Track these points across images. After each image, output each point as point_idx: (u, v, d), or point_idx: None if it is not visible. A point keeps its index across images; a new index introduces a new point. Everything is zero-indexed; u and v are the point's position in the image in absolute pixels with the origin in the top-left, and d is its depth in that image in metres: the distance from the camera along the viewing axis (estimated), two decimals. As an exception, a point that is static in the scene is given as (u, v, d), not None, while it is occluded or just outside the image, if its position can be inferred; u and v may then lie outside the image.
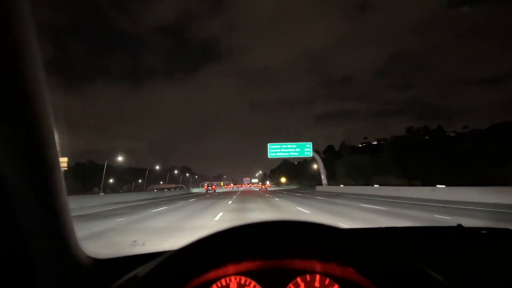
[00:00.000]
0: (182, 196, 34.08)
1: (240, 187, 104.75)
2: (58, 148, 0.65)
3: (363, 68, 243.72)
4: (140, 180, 74.50)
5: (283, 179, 72.13)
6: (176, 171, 64.24)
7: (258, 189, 61.98)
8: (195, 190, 67.79)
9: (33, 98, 0.57)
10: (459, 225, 1.20)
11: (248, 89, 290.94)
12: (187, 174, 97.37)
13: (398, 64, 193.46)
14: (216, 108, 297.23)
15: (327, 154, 70.84)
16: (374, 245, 0.47)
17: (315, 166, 48.54)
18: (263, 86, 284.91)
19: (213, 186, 58.13)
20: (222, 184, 78.76)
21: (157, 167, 49.97)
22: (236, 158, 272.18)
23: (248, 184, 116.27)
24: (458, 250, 1.00)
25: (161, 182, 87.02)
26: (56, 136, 0.63)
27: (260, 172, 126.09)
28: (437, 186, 18.92)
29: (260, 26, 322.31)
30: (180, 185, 78.44)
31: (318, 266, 0.46)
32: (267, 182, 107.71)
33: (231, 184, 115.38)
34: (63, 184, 0.67)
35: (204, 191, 52.98)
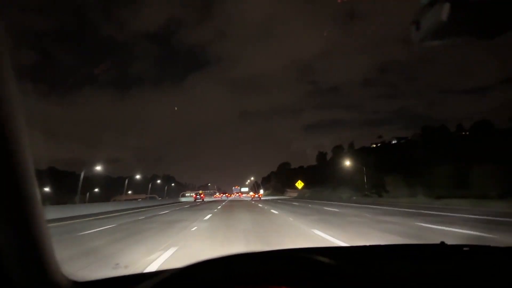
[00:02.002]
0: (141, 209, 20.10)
1: (229, 196, 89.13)
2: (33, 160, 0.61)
3: (351, 77, 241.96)
4: (96, 189, 59.79)
5: (299, 184, 47.11)
6: (137, 176, 48.50)
7: (250, 199, 51.95)
8: (183, 199, 62.67)
9: (2, 107, 0.54)
10: (442, 242, 1.21)
11: (237, 97, 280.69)
12: (158, 181, 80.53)
13: (386, 74, 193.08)
14: (204, 117, 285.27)
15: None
16: (354, 269, 0.48)
17: (347, 163, 33.31)
18: (252, 95, 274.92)
19: (202, 195, 56.25)
20: (200, 193, 64.42)
21: (97, 169, 33.59)
22: (225, 167, 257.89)
23: (237, 193, 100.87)
24: (439, 268, 1.01)
25: (129, 192, 71.15)
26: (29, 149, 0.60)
27: (253, 178, 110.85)
28: None
29: (249, 34, 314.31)
30: (151, 195, 62.72)
31: None
32: (261, 191, 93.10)
33: (217, 194, 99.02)
34: (40, 204, 0.64)
35: (193, 200, 52.39)
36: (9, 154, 0.56)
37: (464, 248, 1.15)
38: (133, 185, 75.93)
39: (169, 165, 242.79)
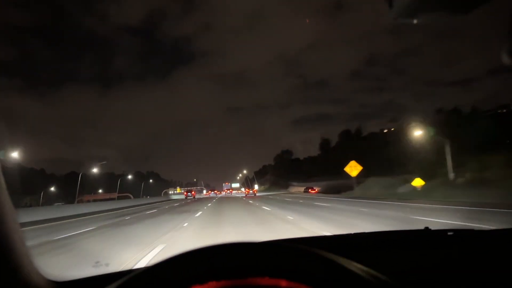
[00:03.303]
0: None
1: (218, 193, 77.38)
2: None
3: (339, 71, 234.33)
4: (52, 189, 48.50)
5: (353, 168, 24.50)
6: (94, 170, 36.99)
7: (243, 195, 43.73)
8: (175, 197, 59.82)
9: None
10: (426, 228, 1.24)
11: (223, 92, 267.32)
12: (129, 177, 66.29)
13: (373, 67, 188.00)
14: (190, 113, 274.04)
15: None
16: (338, 260, 0.47)
17: (417, 132, 21.49)
18: (239, 89, 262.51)
19: (193, 193, 55.01)
20: (178, 190, 57.29)
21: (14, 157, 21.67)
22: (214, 164, 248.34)
23: (228, 189, 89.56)
24: (424, 253, 1.03)
25: (100, 191, 59.83)
26: None
27: (245, 171, 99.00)
28: None
29: (234, 27, 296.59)
30: (121, 194, 51.70)
31: (283, 283, 0.46)
32: (255, 186, 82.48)
33: (205, 192, 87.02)
34: (10, 204, 0.62)
35: (183, 197, 51.60)
36: None
37: (449, 233, 1.18)
38: (105, 183, 64.35)
39: (155, 163, 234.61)
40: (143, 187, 62.46)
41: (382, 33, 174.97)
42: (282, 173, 70.05)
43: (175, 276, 0.45)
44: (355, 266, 0.45)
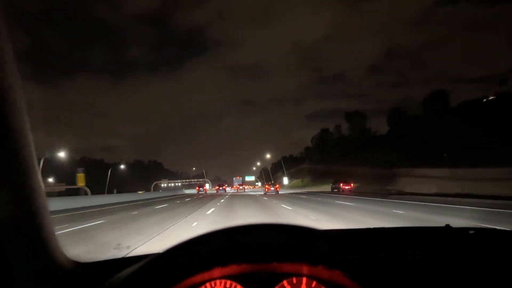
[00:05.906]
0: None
1: (218, 189, 54.69)
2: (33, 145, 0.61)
3: (357, 64, 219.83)
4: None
5: None
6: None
7: (262, 193, 33.36)
8: (187, 191, 57.44)
9: (4, 93, 0.53)
10: (447, 225, 1.22)
11: (237, 85, 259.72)
12: (52, 155, 43.71)
13: (392, 61, 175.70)
14: (202, 105, 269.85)
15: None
16: (362, 247, 0.47)
17: None
18: (252, 82, 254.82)
19: (205, 188, 51.05)
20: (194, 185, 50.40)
21: None
22: (226, 157, 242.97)
23: (240, 185, 69.90)
24: (445, 251, 1.02)
25: (50, 180, 43.41)
26: (31, 134, 0.61)
27: (269, 156, 76.13)
28: None
29: (249, 16, 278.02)
30: (70, 186, 34.01)
31: (305, 269, 0.45)
32: (285, 179, 63.46)
33: (207, 186, 64.15)
34: (41, 185, 0.64)
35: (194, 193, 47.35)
36: (13, 145, 0.56)
37: (470, 231, 1.16)
38: (92, 173, 46.28)
39: (164, 154, 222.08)
40: (140, 178, 43.80)
41: (403, 24, 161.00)
42: (339, 158, 50.52)
43: (197, 257, 0.44)
44: (376, 253, 0.44)
